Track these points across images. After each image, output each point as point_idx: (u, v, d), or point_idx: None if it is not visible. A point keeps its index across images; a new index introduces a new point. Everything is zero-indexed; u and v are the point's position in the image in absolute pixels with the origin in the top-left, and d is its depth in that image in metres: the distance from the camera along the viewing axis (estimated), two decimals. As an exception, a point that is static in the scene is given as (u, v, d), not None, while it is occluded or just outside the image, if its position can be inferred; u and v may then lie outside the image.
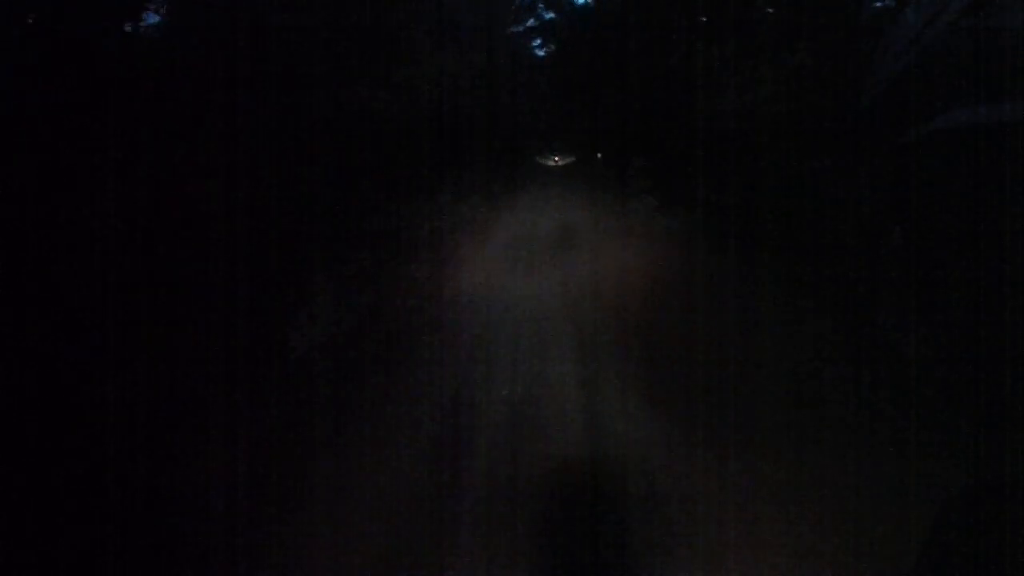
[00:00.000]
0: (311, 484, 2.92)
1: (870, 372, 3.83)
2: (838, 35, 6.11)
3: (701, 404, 3.63)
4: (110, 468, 2.88)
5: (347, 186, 6.68)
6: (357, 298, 5.59)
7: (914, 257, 4.51)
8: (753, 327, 4.80)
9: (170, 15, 5.19)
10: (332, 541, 2.53)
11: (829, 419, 3.40)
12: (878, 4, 6.27)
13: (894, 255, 4.76)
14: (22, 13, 4.04)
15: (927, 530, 1.96)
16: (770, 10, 7.30)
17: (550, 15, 16.70)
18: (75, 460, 2.93)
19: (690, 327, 4.89)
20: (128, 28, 4.82)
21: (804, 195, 6.34)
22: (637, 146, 11.30)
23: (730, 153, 7.32)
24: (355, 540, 2.52)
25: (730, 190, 7.35)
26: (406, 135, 7.97)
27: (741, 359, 4.15)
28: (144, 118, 4.23)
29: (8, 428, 2.97)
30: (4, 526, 2.54)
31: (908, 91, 5.01)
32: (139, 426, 3.18)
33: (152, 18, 5.08)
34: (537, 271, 6.92)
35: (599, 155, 13.36)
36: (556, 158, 17.47)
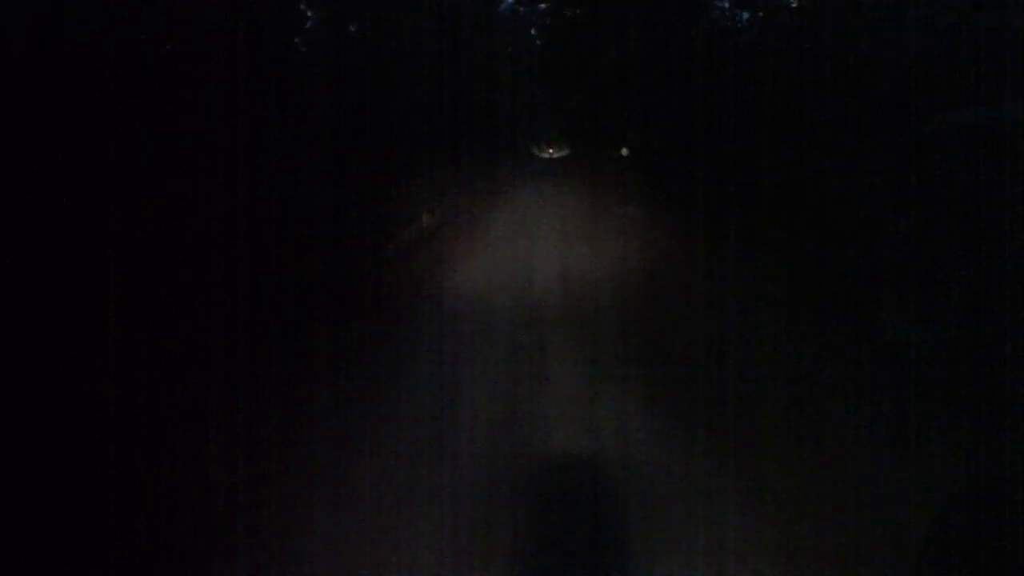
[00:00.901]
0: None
1: (870, 371, 3.83)
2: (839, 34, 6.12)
3: (698, 401, 3.63)
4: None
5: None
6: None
7: (915, 256, 4.51)
8: (751, 323, 4.80)
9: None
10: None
11: (828, 419, 3.40)
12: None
13: (894, 255, 4.76)
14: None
15: (927, 530, 1.96)
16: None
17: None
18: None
19: (681, 318, 4.90)
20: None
21: (804, 193, 6.34)
22: (635, 139, 11.31)
23: (729, 151, 7.32)
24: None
25: (729, 187, 7.35)
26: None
27: (739, 357, 4.15)
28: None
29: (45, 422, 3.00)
30: (4, 526, 2.54)
31: (908, 91, 5.01)
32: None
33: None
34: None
35: (624, 151, 13.29)
36: (551, 150, 17.74)
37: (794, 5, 8.24)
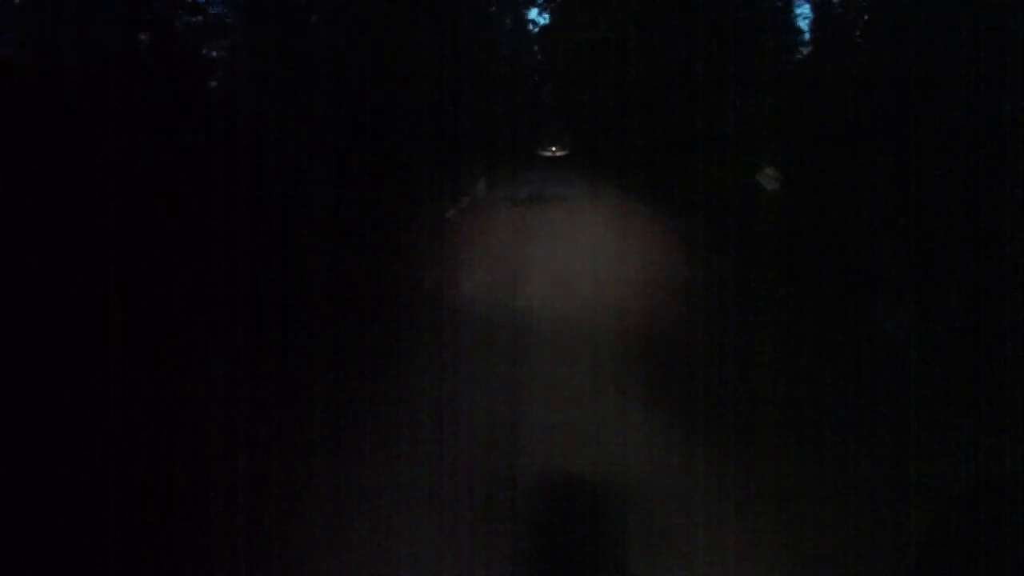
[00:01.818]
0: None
1: (869, 371, 3.83)
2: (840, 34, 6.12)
3: (696, 400, 3.63)
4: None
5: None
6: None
7: (914, 256, 4.51)
8: (750, 324, 4.80)
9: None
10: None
11: (828, 419, 3.40)
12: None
13: (894, 255, 4.76)
14: None
15: (927, 530, 1.95)
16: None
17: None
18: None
19: (681, 319, 4.90)
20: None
21: (804, 194, 6.34)
22: (635, 141, 11.35)
23: (728, 151, 7.33)
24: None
25: (728, 187, 7.35)
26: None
27: (738, 357, 4.15)
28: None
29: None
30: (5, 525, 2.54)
31: (908, 91, 5.02)
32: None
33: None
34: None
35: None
36: (553, 148, 18.35)
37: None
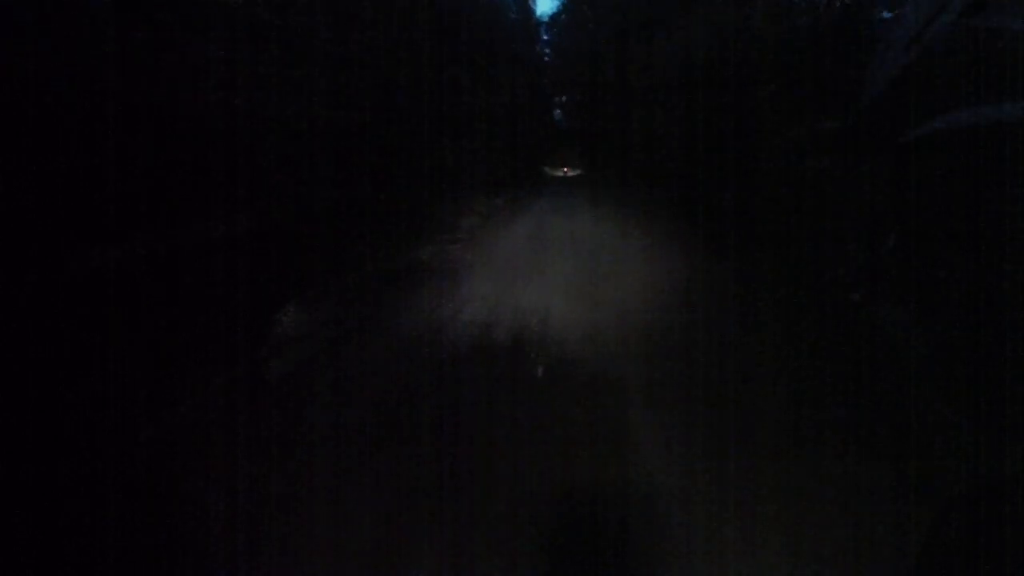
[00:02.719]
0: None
1: (869, 372, 3.83)
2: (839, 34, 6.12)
3: (696, 400, 3.63)
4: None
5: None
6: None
7: (913, 257, 4.51)
8: (750, 323, 4.80)
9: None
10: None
11: (828, 419, 3.40)
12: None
13: (893, 254, 4.76)
14: None
15: (927, 530, 1.96)
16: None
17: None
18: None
19: (683, 324, 4.89)
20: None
21: (803, 195, 6.33)
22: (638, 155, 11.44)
23: (728, 151, 7.32)
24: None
25: (727, 189, 7.35)
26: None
27: (738, 357, 4.15)
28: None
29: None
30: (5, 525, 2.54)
31: (908, 91, 5.01)
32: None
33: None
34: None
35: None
36: (565, 169, 20.17)
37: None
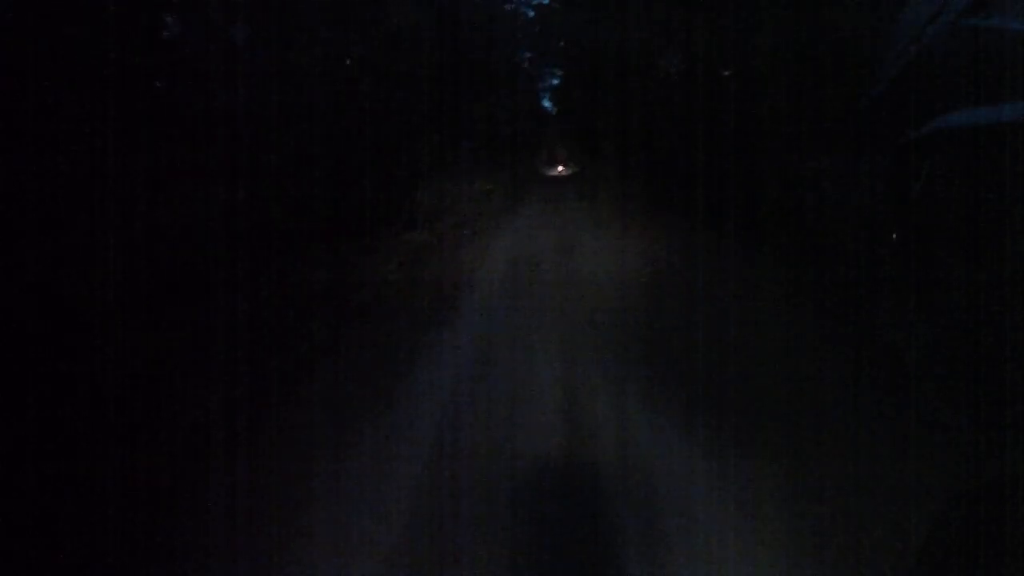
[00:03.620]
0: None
1: (869, 372, 3.83)
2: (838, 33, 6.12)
3: (697, 399, 3.64)
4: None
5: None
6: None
7: (914, 257, 4.51)
8: (750, 323, 4.80)
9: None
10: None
11: (828, 419, 3.40)
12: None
13: (893, 254, 4.76)
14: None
15: (927, 530, 1.95)
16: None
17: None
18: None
19: (681, 317, 4.90)
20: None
21: (803, 195, 6.34)
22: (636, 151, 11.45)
23: (729, 153, 7.32)
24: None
25: (728, 188, 7.35)
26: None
27: (738, 356, 4.15)
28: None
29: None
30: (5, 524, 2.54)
31: (908, 91, 5.01)
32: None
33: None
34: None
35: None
36: (560, 168, 20.74)
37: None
